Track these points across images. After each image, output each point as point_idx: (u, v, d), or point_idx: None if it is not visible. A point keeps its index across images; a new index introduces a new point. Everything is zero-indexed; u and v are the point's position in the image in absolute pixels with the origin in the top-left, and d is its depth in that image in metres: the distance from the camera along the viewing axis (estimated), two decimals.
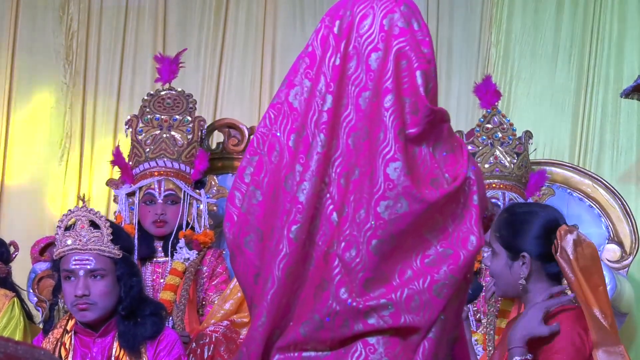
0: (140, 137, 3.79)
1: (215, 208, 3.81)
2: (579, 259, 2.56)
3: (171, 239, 3.70)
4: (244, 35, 4.98)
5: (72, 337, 3.08)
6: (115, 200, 3.87)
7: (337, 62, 1.97)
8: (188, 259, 3.66)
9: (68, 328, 3.10)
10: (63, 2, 5.11)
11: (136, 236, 3.67)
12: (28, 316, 3.57)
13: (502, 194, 3.70)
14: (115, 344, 3.05)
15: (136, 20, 5.09)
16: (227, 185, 3.92)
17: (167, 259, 3.70)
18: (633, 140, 4.57)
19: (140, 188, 3.74)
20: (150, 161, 3.75)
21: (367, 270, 1.89)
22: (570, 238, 2.58)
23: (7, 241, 3.69)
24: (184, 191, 3.73)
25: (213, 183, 3.87)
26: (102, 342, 3.07)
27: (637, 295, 4.01)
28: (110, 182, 3.90)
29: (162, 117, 3.82)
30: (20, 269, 3.92)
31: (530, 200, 3.72)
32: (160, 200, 3.71)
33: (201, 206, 3.77)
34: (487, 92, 3.86)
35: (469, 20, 4.82)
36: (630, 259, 3.92)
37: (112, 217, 3.98)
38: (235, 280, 3.52)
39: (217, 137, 4.20)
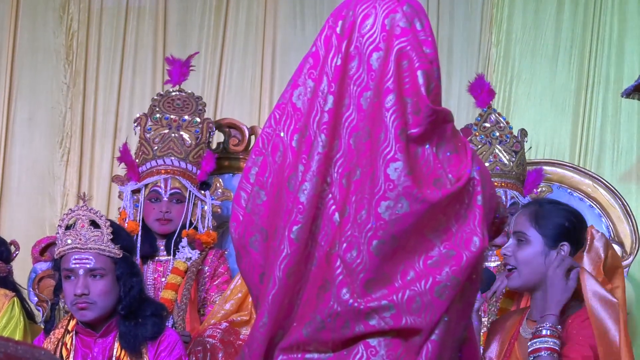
0: (148, 135, 3.80)
1: (219, 210, 3.82)
2: (609, 259, 2.61)
3: (174, 238, 3.70)
4: (244, 35, 4.97)
5: (73, 337, 3.09)
6: (120, 197, 3.87)
7: (339, 62, 1.97)
8: (190, 258, 3.66)
9: (69, 328, 3.10)
10: (63, 2, 5.11)
11: (139, 233, 3.68)
12: (29, 316, 3.57)
13: (504, 192, 3.70)
14: (116, 344, 3.05)
15: (136, 20, 5.09)
16: (227, 185, 3.92)
17: (169, 257, 3.70)
18: (633, 140, 4.57)
19: (146, 185, 3.74)
20: (157, 159, 3.76)
21: (368, 271, 1.89)
22: (602, 240, 2.63)
23: (8, 240, 3.69)
24: (190, 191, 3.73)
25: (218, 185, 3.88)
26: (103, 343, 3.07)
27: (638, 295, 4.00)
28: (116, 179, 3.91)
29: (172, 117, 3.83)
30: (21, 269, 3.92)
31: (527, 197, 3.72)
32: (165, 198, 3.71)
33: (205, 207, 3.77)
34: (482, 91, 3.87)
35: (469, 20, 4.82)
36: (630, 259, 3.92)
37: (112, 217, 3.99)
38: (235, 280, 3.53)
39: (218, 137, 4.20)
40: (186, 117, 3.84)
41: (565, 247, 2.67)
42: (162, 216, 3.70)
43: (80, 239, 3.04)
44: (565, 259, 2.61)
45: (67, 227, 3.08)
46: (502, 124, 3.80)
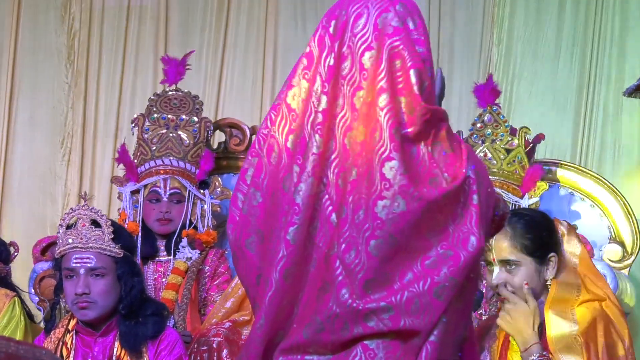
0: (146, 136, 3.79)
1: (219, 209, 3.82)
2: (583, 249, 2.62)
3: (174, 238, 3.70)
4: (245, 35, 4.98)
5: (74, 336, 3.09)
6: (119, 198, 3.87)
7: (332, 62, 1.97)
8: (190, 258, 3.66)
9: (70, 327, 3.11)
10: (65, 1, 5.11)
11: (140, 234, 3.68)
12: (28, 316, 3.57)
13: None
14: (117, 344, 3.05)
15: (138, 20, 5.09)
16: (228, 184, 3.92)
17: (169, 257, 3.70)
18: (635, 140, 4.57)
19: (145, 186, 3.74)
20: (156, 159, 3.75)
21: (367, 272, 1.88)
22: (565, 224, 2.64)
23: (8, 241, 3.69)
24: (189, 190, 3.73)
25: (217, 184, 3.88)
26: (104, 342, 3.07)
27: (638, 295, 4.00)
28: (115, 179, 3.91)
29: (169, 116, 3.83)
30: (22, 269, 3.92)
31: (525, 196, 3.72)
32: (165, 199, 3.71)
33: (205, 206, 3.77)
34: (485, 92, 3.87)
35: (471, 19, 4.82)
36: (631, 258, 3.91)
37: (113, 216, 3.99)
38: (236, 279, 3.53)
39: (219, 137, 4.20)
40: (184, 116, 3.84)
41: (554, 258, 2.67)
42: (162, 216, 3.70)
43: (81, 239, 3.04)
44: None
45: (68, 227, 3.08)
46: (498, 123, 3.80)
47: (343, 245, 1.90)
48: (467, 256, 1.90)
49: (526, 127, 3.83)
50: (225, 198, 3.82)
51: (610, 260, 3.86)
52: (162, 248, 3.74)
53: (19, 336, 3.40)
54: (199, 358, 3.31)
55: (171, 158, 3.75)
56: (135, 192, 3.77)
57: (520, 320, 2.56)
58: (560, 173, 4.06)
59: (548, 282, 2.66)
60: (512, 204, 3.68)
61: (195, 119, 3.84)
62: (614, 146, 4.57)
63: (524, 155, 3.76)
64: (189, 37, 5.00)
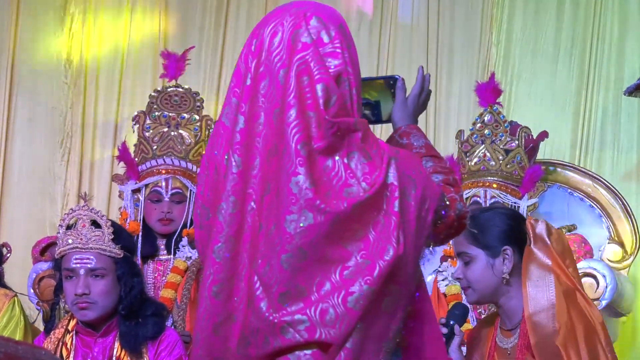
0: (147, 134, 3.79)
1: None
2: (554, 244, 2.60)
3: (174, 237, 3.70)
4: (244, 34, 4.97)
5: (74, 337, 3.09)
6: (120, 196, 3.87)
7: (249, 82, 2.00)
8: (190, 257, 3.66)
9: (69, 328, 3.11)
10: (64, 1, 5.11)
11: (140, 234, 3.68)
12: None
13: (484, 191, 3.70)
14: (117, 344, 3.05)
15: (137, 20, 5.09)
16: None
17: (169, 256, 3.70)
18: (634, 140, 4.56)
19: (146, 185, 3.74)
20: (157, 158, 3.75)
21: (280, 285, 1.90)
22: (542, 226, 2.62)
23: (6, 241, 3.70)
24: (190, 190, 3.73)
25: None
26: (104, 342, 3.07)
27: (638, 296, 4.00)
28: (115, 178, 3.90)
29: (170, 114, 3.82)
30: (21, 269, 3.92)
31: (525, 196, 3.72)
32: (167, 199, 3.70)
33: None
34: (487, 91, 3.86)
35: (470, 20, 4.82)
36: (631, 259, 3.91)
37: (113, 216, 3.98)
38: None
39: None
40: (185, 114, 3.83)
41: (509, 251, 2.65)
42: (163, 216, 3.69)
43: (81, 239, 3.04)
44: None
45: (68, 227, 3.08)
46: (498, 123, 3.80)
47: (259, 261, 1.93)
48: (384, 265, 1.90)
49: (527, 127, 3.82)
50: None
51: (609, 260, 3.86)
52: (162, 247, 3.74)
53: (18, 336, 3.40)
54: None
55: (172, 157, 3.75)
56: (136, 191, 3.77)
57: None
58: (560, 173, 4.07)
59: (505, 276, 2.65)
60: (511, 205, 3.68)
61: (197, 117, 3.84)
62: (613, 147, 4.57)
63: (524, 155, 3.76)
64: (188, 36, 5.01)
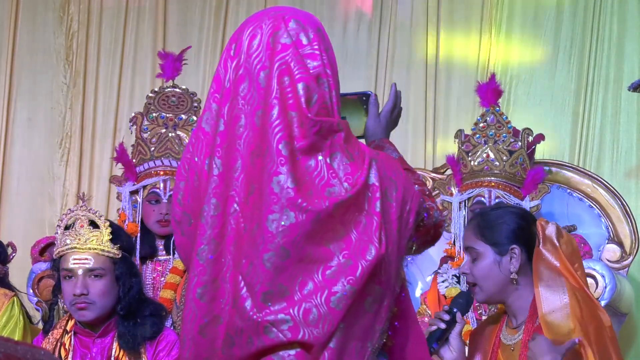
0: (145, 135, 3.78)
1: None
2: (564, 247, 2.59)
3: (173, 238, 3.69)
4: None
5: (72, 337, 3.09)
6: (118, 198, 3.87)
7: (228, 85, 2.02)
8: None
9: (68, 328, 3.11)
10: (63, 2, 5.11)
11: (139, 235, 3.67)
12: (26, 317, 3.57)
13: (489, 191, 3.70)
14: (115, 344, 3.05)
15: (136, 20, 5.09)
16: None
17: (168, 257, 3.70)
18: (633, 141, 4.57)
19: (144, 187, 3.74)
20: (155, 160, 3.74)
21: (263, 285, 1.91)
22: (552, 229, 2.61)
23: (6, 242, 3.69)
24: None
25: None
26: (102, 343, 3.07)
27: (637, 296, 4.01)
28: (113, 179, 3.90)
29: (168, 115, 3.81)
30: (20, 269, 3.92)
31: (527, 198, 3.71)
32: (165, 200, 3.69)
33: None
34: (487, 91, 3.86)
35: (469, 20, 4.82)
36: (630, 259, 3.91)
37: (112, 217, 3.98)
38: None
39: None
40: (182, 115, 3.83)
41: (516, 250, 2.64)
42: (162, 218, 3.69)
43: (79, 239, 3.04)
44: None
45: (67, 227, 3.08)
46: (501, 124, 3.80)
47: (243, 261, 1.94)
48: (366, 265, 1.92)
49: (528, 129, 3.83)
50: None
51: (608, 260, 3.86)
52: (161, 247, 3.73)
53: (17, 336, 3.40)
54: None
55: (170, 159, 3.74)
56: (134, 192, 3.77)
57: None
58: (559, 173, 4.07)
59: (513, 276, 2.65)
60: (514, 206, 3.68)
61: (194, 118, 3.83)
62: (612, 147, 4.57)
63: (526, 157, 3.76)
64: (187, 36, 5.00)
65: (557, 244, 2.61)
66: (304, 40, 2.02)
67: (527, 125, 3.89)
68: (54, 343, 3.08)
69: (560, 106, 4.66)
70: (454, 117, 4.78)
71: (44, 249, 3.82)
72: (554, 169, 4.06)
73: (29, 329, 3.52)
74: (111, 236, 3.06)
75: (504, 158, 3.73)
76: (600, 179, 4.07)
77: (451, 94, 4.81)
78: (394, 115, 2.34)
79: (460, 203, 3.76)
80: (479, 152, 3.76)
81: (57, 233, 3.08)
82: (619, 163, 4.56)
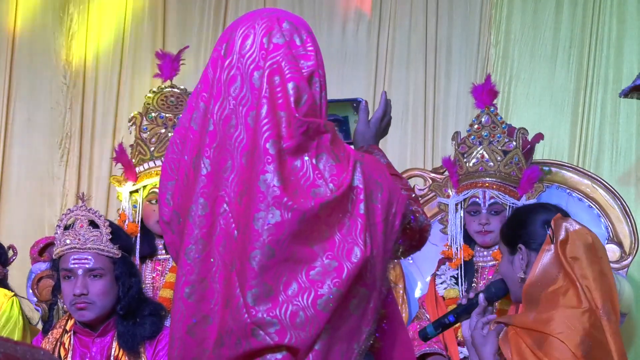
0: (144, 135, 3.78)
1: None
2: (569, 248, 2.56)
3: None
4: None
5: (72, 337, 3.09)
6: (118, 198, 3.87)
7: (218, 85, 2.02)
8: None
9: (67, 328, 3.10)
10: (63, 2, 5.11)
11: (139, 235, 3.67)
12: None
13: (483, 192, 3.70)
14: (115, 344, 3.05)
15: (136, 20, 5.09)
16: None
17: (168, 256, 3.70)
18: (632, 141, 4.57)
19: (144, 187, 3.74)
20: (155, 160, 3.74)
21: (249, 284, 1.92)
22: (564, 226, 2.58)
23: (6, 243, 3.70)
24: None
25: None
26: (101, 342, 3.07)
27: (637, 296, 4.00)
28: (113, 179, 3.90)
29: (167, 115, 3.81)
30: (20, 270, 3.92)
31: (524, 197, 3.72)
32: None
33: None
34: (483, 92, 3.87)
35: (468, 20, 4.83)
36: (629, 259, 3.91)
37: (111, 217, 3.98)
38: None
39: None
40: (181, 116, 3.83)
41: (522, 249, 2.65)
42: None
43: (79, 239, 3.04)
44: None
45: (66, 227, 3.08)
46: (495, 124, 3.80)
47: (237, 260, 1.95)
48: (351, 267, 1.92)
49: (524, 128, 3.83)
50: None
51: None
52: (161, 247, 3.73)
53: (17, 336, 3.40)
54: None
55: None
56: (133, 192, 3.77)
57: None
58: (558, 173, 4.07)
59: (520, 275, 2.64)
60: (510, 206, 3.68)
61: None
62: (611, 147, 4.58)
63: (522, 156, 3.76)
64: (186, 36, 5.01)
65: (560, 244, 2.57)
66: (297, 41, 2.03)
67: (526, 125, 3.90)
68: (54, 343, 3.08)
69: (559, 106, 4.66)
70: (452, 117, 4.78)
71: (44, 249, 3.83)
72: (553, 169, 4.07)
73: (28, 330, 3.52)
74: (111, 236, 3.06)
75: (498, 158, 3.73)
76: (599, 179, 4.07)
77: (450, 94, 4.81)
78: (383, 123, 2.35)
79: (456, 205, 3.77)
80: (474, 153, 3.77)
81: (57, 233, 3.08)
82: (618, 163, 4.56)
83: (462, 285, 3.69)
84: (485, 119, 3.82)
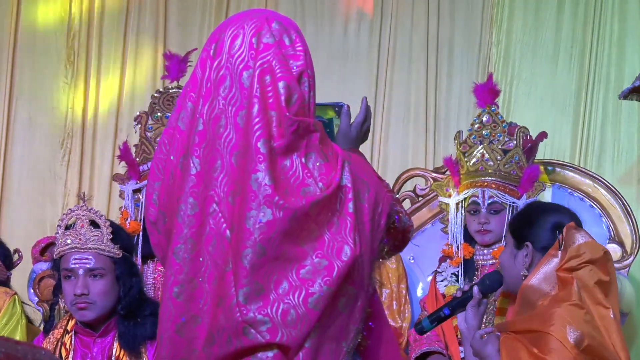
0: (149, 135, 3.79)
1: None
2: (576, 256, 2.55)
3: None
4: None
5: (73, 337, 3.09)
6: (121, 196, 3.87)
7: (207, 84, 2.03)
8: None
9: (68, 328, 3.10)
10: (65, 2, 5.11)
11: (141, 233, 3.67)
12: (27, 320, 3.57)
13: (482, 191, 3.70)
14: (116, 344, 3.05)
15: (137, 20, 5.09)
16: None
17: None
18: (634, 141, 4.57)
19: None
20: None
21: (241, 283, 1.93)
22: (577, 236, 2.57)
23: (11, 246, 3.70)
24: None
25: None
26: (102, 342, 3.07)
27: (638, 295, 4.00)
28: (116, 177, 3.91)
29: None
30: (21, 269, 3.92)
31: (524, 196, 3.71)
32: None
33: None
34: (484, 91, 3.86)
35: (470, 20, 4.82)
36: (631, 259, 3.91)
37: (113, 217, 3.98)
38: None
39: None
40: None
41: (528, 248, 2.66)
42: None
43: (80, 239, 3.04)
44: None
45: (67, 227, 3.08)
46: (496, 124, 3.80)
47: (231, 260, 1.95)
48: (342, 266, 1.94)
49: (524, 127, 3.82)
50: None
51: None
52: None
53: (19, 334, 3.40)
54: None
55: None
56: (136, 191, 3.77)
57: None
58: (560, 173, 4.06)
59: (523, 272, 2.64)
60: (510, 205, 3.68)
61: None
62: (613, 146, 4.57)
63: (522, 155, 3.76)
64: (188, 37, 5.01)
65: (565, 251, 2.56)
66: (287, 41, 2.04)
67: (528, 124, 3.89)
68: (55, 343, 3.08)
69: (560, 106, 4.66)
70: (454, 117, 4.78)
71: (45, 249, 3.83)
72: (554, 168, 4.06)
73: (29, 329, 3.52)
74: (112, 236, 3.06)
75: (498, 157, 3.73)
76: (601, 178, 4.06)
77: (452, 94, 4.81)
78: (364, 127, 2.35)
79: (457, 204, 3.77)
80: (475, 153, 3.76)
81: (58, 233, 3.08)
82: (619, 163, 4.56)
83: (462, 283, 3.69)
84: (486, 118, 3.81)
